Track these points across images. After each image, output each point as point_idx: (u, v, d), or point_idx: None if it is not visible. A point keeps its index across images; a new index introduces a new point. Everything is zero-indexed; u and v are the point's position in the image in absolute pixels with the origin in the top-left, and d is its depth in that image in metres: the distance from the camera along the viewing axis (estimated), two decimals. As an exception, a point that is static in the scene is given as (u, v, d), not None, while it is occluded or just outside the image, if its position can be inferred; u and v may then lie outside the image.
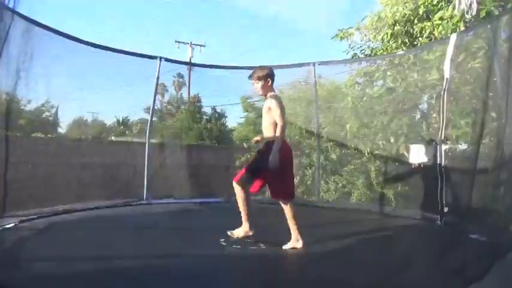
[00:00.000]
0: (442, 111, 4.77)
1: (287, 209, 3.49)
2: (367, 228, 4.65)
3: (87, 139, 8.04)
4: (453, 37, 4.80)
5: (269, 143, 3.47)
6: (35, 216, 4.46)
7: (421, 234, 4.47)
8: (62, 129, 8.32)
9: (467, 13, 4.92)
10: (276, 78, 7.05)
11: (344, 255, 3.50)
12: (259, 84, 3.63)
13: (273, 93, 3.67)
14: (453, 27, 5.59)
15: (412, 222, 5.07)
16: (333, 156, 6.81)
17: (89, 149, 6.81)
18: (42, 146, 5.96)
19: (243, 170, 3.79)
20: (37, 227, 4.13)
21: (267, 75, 3.65)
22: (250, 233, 3.74)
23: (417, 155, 5.47)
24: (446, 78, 4.76)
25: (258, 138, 3.52)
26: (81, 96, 6.01)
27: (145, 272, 2.83)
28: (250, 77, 3.72)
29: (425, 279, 2.75)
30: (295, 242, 3.48)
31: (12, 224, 4.04)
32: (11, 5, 3.23)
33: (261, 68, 3.76)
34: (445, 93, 4.75)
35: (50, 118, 8.02)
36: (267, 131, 3.58)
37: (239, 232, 3.76)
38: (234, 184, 3.66)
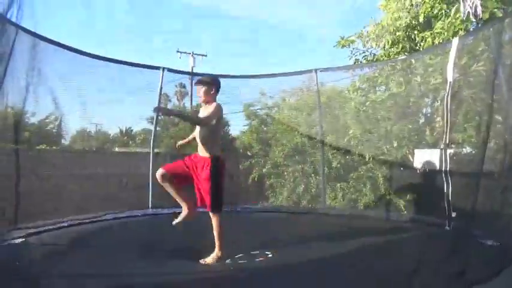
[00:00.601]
0: (446, 115, 4.75)
1: (214, 220, 3.45)
2: (375, 235, 4.61)
3: (91, 150, 8.04)
4: (455, 40, 4.80)
5: (205, 158, 3.50)
6: (42, 229, 4.46)
7: (430, 240, 4.42)
8: (66, 141, 8.35)
9: (472, 16, 4.92)
10: (277, 85, 7.02)
11: (352, 262, 3.47)
12: (202, 89, 3.62)
13: (215, 103, 3.64)
14: (455, 30, 5.60)
15: (420, 228, 5.01)
16: (337, 163, 6.78)
17: (93, 160, 6.82)
18: (47, 158, 5.97)
19: (177, 165, 3.71)
20: (44, 240, 4.14)
21: (212, 83, 3.68)
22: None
23: (422, 159, 5.45)
24: (450, 82, 4.75)
25: (182, 142, 3.68)
26: (84, 107, 6.03)
27: (150, 283, 2.81)
28: (196, 82, 3.75)
29: (435, 284, 2.71)
30: (217, 254, 3.43)
31: (21, 237, 4.04)
32: (14, 19, 3.25)
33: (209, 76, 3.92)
34: (449, 96, 4.73)
35: (54, 130, 8.05)
36: (204, 142, 3.57)
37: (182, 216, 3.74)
38: (163, 172, 3.56)
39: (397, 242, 4.34)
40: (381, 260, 3.50)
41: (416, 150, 5.67)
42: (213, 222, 3.45)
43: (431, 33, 6.00)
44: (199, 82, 3.67)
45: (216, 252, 3.42)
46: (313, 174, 7.02)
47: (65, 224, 4.85)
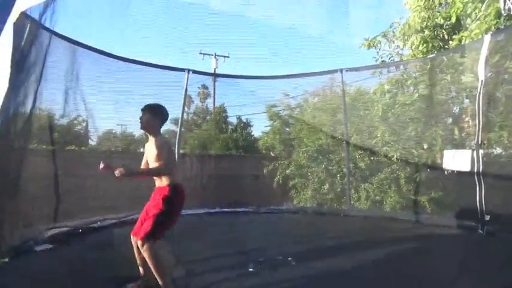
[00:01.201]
0: (478, 114, 4.60)
1: (146, 251, 2.85)
2: (406, 238, 4.51)
3: (117, 151, 8.20)
4: (487, 37, 4.64)
5: (163, 187, 3.03)
6: (73, 227, 4.57)
7: (463, 244, 4.28)
8: (93, 142, 8.53)
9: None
10: (300, 86, 6.80)
11: (382, 267, 3.39)
12: (144, 117, 3.11)
13: (158, 138, 3.10)
14: (487, 26, 5.40)
15: (450, 231, 4.86)
16: (362, 164, 6.68)
17: (119, 161, 6.95)
18: (76, 159, 6.13)
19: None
20: (77, 237, 4.27)
21: (156, 111, 3.17)
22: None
23: (451, 160, 5.28)
24: (481, 81, 4.59)
25: (102, 165, 2.84)
26: (110, 109, 6.14)
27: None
28: (142, 108, 3.17)
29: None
30: None
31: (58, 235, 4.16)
32: (47, 24, 3.35)
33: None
34: (481, 95, 4.58)
35: (82, 131, 8.23)
36: (159, 179, 3.08)
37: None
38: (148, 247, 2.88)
39: (428, 246, 4.21)
40: (418, 264, 3.40)
41: (445, 151, 5.50)
42: (145, 255, 2.86)
43: (468, 35, 5.75)
44: (143, 109, 3.15)
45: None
46: (337, 175, 6.94)
47: (98, 222, 4.96)
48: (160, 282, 2.87)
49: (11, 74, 2.76)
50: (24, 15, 3.02)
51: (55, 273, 2.94)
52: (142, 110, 3.12)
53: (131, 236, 3.05)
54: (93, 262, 3.33)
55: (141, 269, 3.07)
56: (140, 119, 3.11)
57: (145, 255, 2.84)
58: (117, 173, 2.79)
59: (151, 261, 2.83)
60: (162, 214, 2.92)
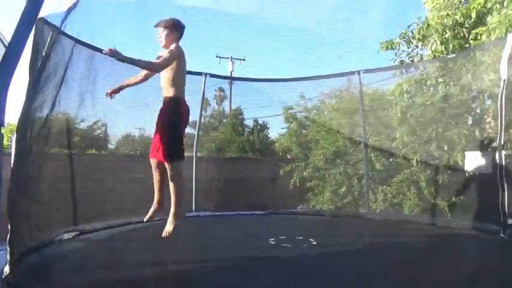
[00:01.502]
0: (501, 115, 4.47)
1: (170, 172, 2.98)
2: (425, 241, 4.42)
3: (136, 154, 8.31)
4: (510, 36, 4.51)
5: (166, 102, 3.15)
6: (92, 230, 4.65)
7: (484, 247, 4.16)
8: (112, 145, 8.68)
9: None
10: (316, 88, 6.80)
11: (401, 270, 3.32)
12: (164, 32, 3.18)
13: (174, 43, 3.17)
14: (510, 23, 5.24)
15: (471, 234, 4.74)
16: (380, 166, 6.60)
17: (138, 164, 7.05)
18: (96, 162, 6.25)
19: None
20: (96, 239, 4.34)
21: (175, 27, 3.22)
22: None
23: (473, 162, 5.14)
24: (504, 80, 4.46)
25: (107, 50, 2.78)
26: (128, 113, 6.24)
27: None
28: (156, 24, 3.25)
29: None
30: (173, 220, 3.07)
31: (71, 237, 4.24)
32: (68, 31, 3.43)
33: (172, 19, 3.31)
34: (503, 95, 4.45)
35: (101, 135, 8.40)
36: (164, 84, 3.21)
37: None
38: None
39: (453, 248, 4.12)
40: (438, 267, 3.32)
41: (467, 153, 5.36)
42: (168, 175, 2.99)
43: (486, 29, 5.61)
44: (160, 24, 3.22)
45: (173, 217, 3.06)
46: (355, 178, 6.87)
47: (114, 225, 5.04)
48: (174, 205, 2.98)
49: (30, 79, 2.84)
50: (43, 21, 3.09)
51: (73, 274, 2.99)
52: (157, 26, 3.17)
53: (151, 159, 3.17)
54: (109, 264, 3.37)
55: (156, 194, 3.23)
56: (159, 36, 3.16)
57: (171, 174, 2.93)
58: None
59: (176, 181, 2.93)
60: (171, 129, 3.03)
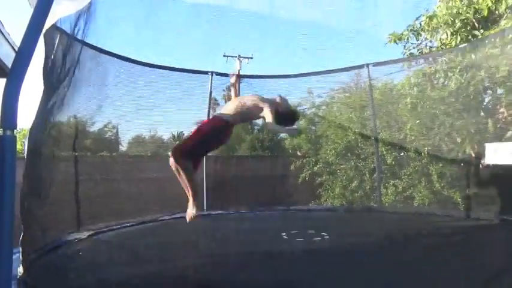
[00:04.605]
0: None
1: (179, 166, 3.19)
2: (440, 234, 4.37)
3: (146, 155, 8.37)
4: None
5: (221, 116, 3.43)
6: (106, 229, 4.71)
7: (503, 238, 4.10)
8: (123, 147, 8.73)
9: None
10: (325, 83, 6.82)
11: (418, 264, 3.28)
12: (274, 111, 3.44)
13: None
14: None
15: (488, 225, 4.67)
16: (392, 159, 6.54)
17: (149, 165, 7.11)
18: (107, 164, 6.31)
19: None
20: (109, 239, 4.39)
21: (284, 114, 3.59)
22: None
23: (494, 154, 5.03)
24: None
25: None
26: (138, 114, 6.29)
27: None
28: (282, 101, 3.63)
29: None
30: (192, 207, 3.30)
31: (84, 237, 4.30)
32: (79, 35, 3.47)
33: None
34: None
35: (112, 137, 8.45)
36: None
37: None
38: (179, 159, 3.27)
39: (471, 240, 4.09)
40: (457, 258, 3.29)
41: (486, 144, 5.25)
42: (173, 167, 3.26)
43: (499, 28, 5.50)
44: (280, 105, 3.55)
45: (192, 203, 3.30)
46: (366, 172, 6.83)
47: (127, 225, 5.08)
48: (190, 194, 3.18)
49: (44, 83, 2.88)
50: (54, 26, 3.13)
51: (82, 274, 3.02)
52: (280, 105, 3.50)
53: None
54: (123, 263, 3.40)
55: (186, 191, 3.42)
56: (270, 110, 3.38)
57: (180, 167, 3.15)
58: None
59: (185, 172, 3.13)
60: (204, 135, 3.27)
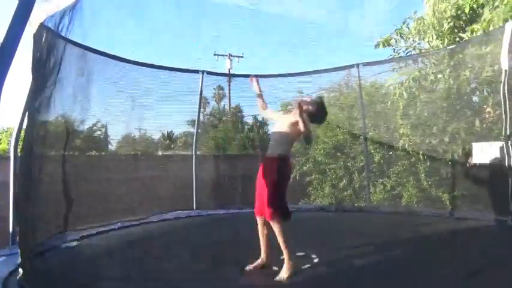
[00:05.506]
0: (504, 105, 4.46)
1: (275, 229, 3.03)
2: (428, 232, 4.41)
3: (136, 154, 8.31)
4: (509, 25, 4.49)
5: (275, 159, 3.14)
6: (95, 230, 4.66)
7: (491, 236, 4.17)
8: (113, 146, 8.66)
9: None
10: (316, 83, 6.76)
11: (406, 262, 3.33)
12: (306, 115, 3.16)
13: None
14: (505, 17, 5.21)
15: (476, 224, 4.73)
16: (380, 158, 6.60)
17: (138, 164, 7.05)
18: (97, 163, 6.24)
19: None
20: (99, 239, 4.36)
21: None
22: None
23: (481, 153, 5.10)
24: (505, 70, 4.44)
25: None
26: (128, 114, 6.23)
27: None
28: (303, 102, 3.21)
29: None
30: (288, 266, 3.01)
31: (73, 239, 4.25)
32: (63, 33, 3.41)
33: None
34: (506, 86, 4.43)
35: (101, 137, 8.37)
36: (277, 147, 3.22)
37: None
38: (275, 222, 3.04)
39: (459, 238, 4.15)
40: (445, 256, 3.34)
41: (473, 144, 5.32)
42: (274, 228, 3.03)
43: (481, 24, 5.58)
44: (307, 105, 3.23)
45: (287, 264, 3.02)
46: (355, 171, 6.88)
47: (115, 227, 5.03)
48: (285, 255, 3.00)
49: (32, 83, 2.84)
50: (41, 26, 3.09)
51: (73, 274, 3.00)
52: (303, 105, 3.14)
53: (257, 217, 3.21)
54: (107, 264, 3.38)
55: (263, 249, 3.23)
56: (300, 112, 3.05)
57: (275, 228, 2.98)
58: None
59: (281, 236, 2.97)
60: (273, 189, 3.03)
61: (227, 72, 16.75)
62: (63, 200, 4.21)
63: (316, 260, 3.41)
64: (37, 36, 2.98)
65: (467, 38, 5.90)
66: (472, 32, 5.80)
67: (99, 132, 8.50)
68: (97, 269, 3.22)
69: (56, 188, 4.21)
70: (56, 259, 3.54)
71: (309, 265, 3.28)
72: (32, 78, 3.05)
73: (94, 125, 8.20)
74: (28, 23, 2.27)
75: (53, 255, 3.61)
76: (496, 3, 5.53)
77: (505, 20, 5.18)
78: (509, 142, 4.49)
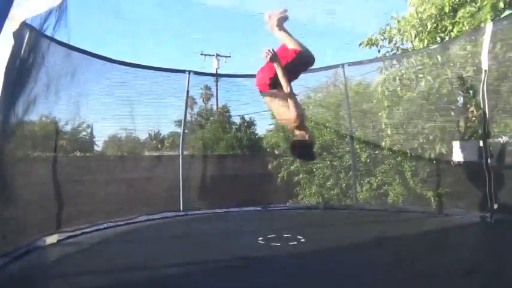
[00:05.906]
0: (484, 105, 4.56)
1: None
2: (413, 230, 4.50)
3: (122, 155, 8.22)
4: (489, 26, 4.59)
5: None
6: (79, 232, 4.60)
7: (473, 233, 4.27)
8: (99, 147, 8.54)
9: None
10: (302, 82, 6.82)
11: (393, 261, 3.37)
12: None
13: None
14: (484, 18, 5.33)
15: (459, 221, 4.85)
16: (366, 157, 6.68)
17: (125, 165, 6.98)
18: (82, 164, 6.15)
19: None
20: (82, 242, 4.29)
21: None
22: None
23: (460, 151, 5.23)
24: (485, 70, 4.54)
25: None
26: (114, 114, 6.17)
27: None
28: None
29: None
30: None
31: (59, 240, 4.19)
32: (49, 33, 3.37)
33: None
34: (485, 86, 4.53)
35: (87, 137, 8.26)
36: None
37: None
38: None
39: (443, 235, 4.26)
40: (428, 254, 3.39)
41: (453, 142, 5.44)
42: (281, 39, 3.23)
43: (454, 22, 5.70)
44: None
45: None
46: (342, 170, 6.95)
47: (101, 227, 4.99)
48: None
49: (5, 81, 2.78)
50: (24, 25, 3.04)
51: (56, 276, 2.96)
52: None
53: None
54: (92, 265, 3.34)
55: None
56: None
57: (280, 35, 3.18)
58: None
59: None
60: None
61: (214, 72, 16.72)
62: (44, 202, 4.16)
63: (302, 240, 3.63)
64: (18, 35, 2.93)
65: (447, 39, 6.03)
66: (447, 30, 5.90)
67: (84, 133, 8.38)
68: (77, 269, 3.19)
69: (37, 190, 4.14)
70: (34, 263, 3.49)
71: (295, 242, 3.39)
72: (4, 78, 2.98)
73: (79, 125, 8.08)
74: (7, 21, 2.23)
75: (31, 259, 3.55)
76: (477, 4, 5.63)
77: (484, 21, 5.30)
78: (488, 141, 4.61)
